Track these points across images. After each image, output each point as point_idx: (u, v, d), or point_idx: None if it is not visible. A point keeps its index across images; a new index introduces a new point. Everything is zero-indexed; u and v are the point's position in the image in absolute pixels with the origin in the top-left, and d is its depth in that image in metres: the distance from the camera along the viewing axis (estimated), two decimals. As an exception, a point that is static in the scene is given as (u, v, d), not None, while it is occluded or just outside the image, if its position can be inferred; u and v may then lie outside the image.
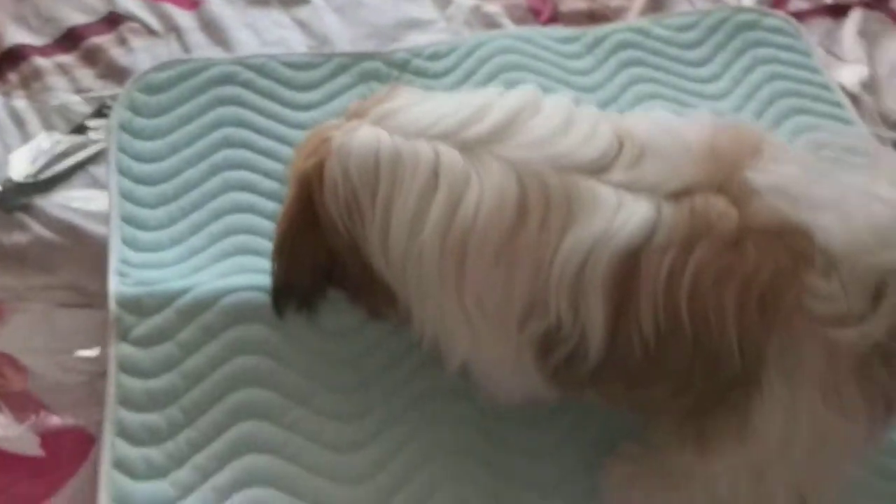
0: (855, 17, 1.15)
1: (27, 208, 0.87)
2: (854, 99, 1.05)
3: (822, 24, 1.15)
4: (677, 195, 0.59)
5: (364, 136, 0.66)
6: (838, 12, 1.17)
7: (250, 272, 0.80)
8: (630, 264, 0.58)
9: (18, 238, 0.85)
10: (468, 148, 0.63)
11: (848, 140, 0.67)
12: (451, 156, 0.63)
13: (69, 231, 0.85)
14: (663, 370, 0.60)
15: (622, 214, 0.59)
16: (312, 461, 0.73)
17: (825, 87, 1.04)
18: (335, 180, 0.66)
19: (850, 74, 1.09)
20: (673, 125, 0.64)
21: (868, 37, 1.14)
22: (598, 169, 0.61)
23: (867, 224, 0.52)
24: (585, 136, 0.63)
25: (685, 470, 0.66)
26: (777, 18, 1.10)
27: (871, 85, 1.07)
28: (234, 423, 0.73)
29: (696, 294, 0.57)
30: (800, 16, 1.16)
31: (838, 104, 1.02)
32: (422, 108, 0.67)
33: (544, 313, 0.61)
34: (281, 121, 0.94)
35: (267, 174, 0.89)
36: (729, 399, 0.59)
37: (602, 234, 0.58)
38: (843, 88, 1.06)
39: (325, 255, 0.71)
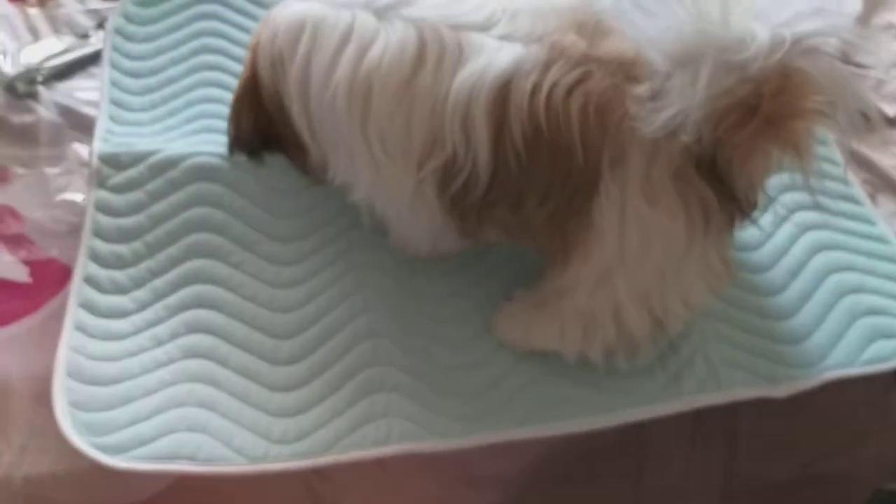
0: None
1: (34, 95, 1.02)
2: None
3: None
4: (542, 37, 0.72)
5: (296, 6, 0.80)
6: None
7: (214, 144, 0.94)
8: (505, 90, 0.71)
9: (26, 118, 1.00)
10: (380, 12, 0.77)
11: None
12: (364, 17, 0.76)
13: (67, 112, 1.01)
14: (532, 182, 0.72)
15: (500, 55, 0.72)
16: (252, 292, 0.86)
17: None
18: (266, 44, 0.80)
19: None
20: None
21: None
22: (484, 27, 0.75)
23: (669, 31, 0.63)
24: (476, 5, 0.77)
25: (554, 290, 0.78)
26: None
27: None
28: (187, 259, 0.87)
29: (550, 105, 0.69)
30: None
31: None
32: None
33: (442, 148, 0.74)
34: (252, 33, 1.09)
35: (236, 75, 1.03)
36: (579, 206, 0.71)
37: (484, 69, 0.72)
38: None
39: (264, 116, 0.85)
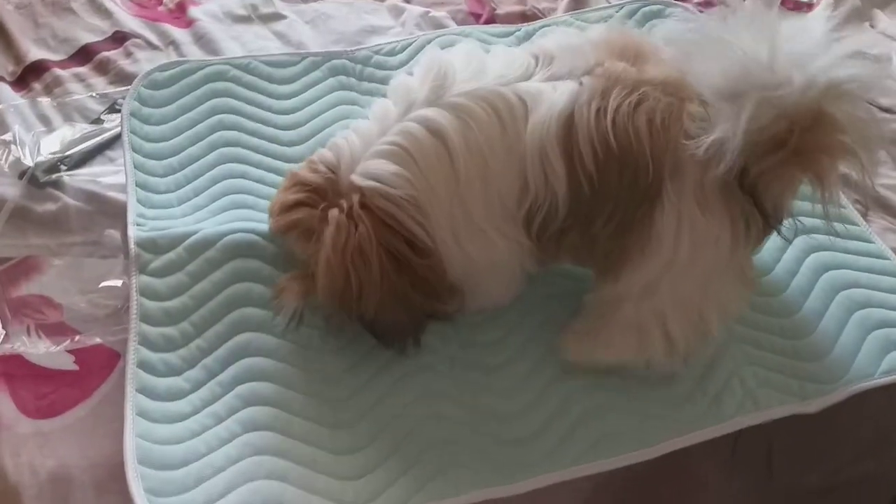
0: None
1: (56, 184, 1.04)
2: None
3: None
4: (590, 70, 0.80)
5: (355, 170, 0.83)
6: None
7: (244, 220, 0.97)
8: (570, 121, 0.78)
9: (49, 207, 1.01)
10: (435, 102, 0.81)
11: None
12: (430, 115, 0.80)
13: (92, 198, 1.02)
14: (602, 201, 0.78)
15: (558, 93, 0.79)
16: (300, 360, 0.89)
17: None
18: (375, 206, 0.80)
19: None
20: (571, 33, 0.85)
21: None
22: (527, 77, 0.82)
23: (720, 68, 0.72)
24: (506, 62, 0.83)
25: (608, 301, 0.83)
26: (679, 7, 1.30)
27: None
28: (233, 335, 0.89)
29: (618, 124, 0.76)
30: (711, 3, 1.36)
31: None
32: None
33: (526, 191, 0.79)
34: (264, 108, 1.13)
35: (254, 149, 1.07)
36: (642, 216, 0.78)
37: (549, 109, 0.78)
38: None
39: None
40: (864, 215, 1.06)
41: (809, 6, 1.38)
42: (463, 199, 0.81)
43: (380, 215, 0.80)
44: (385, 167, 0.81)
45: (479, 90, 0.81)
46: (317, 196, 0.85)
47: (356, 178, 0.82)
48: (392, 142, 0.81)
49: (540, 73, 0.81)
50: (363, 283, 0.81)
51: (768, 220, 0.78)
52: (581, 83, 0.79)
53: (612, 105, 0.76)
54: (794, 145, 0.72)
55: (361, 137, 0.84)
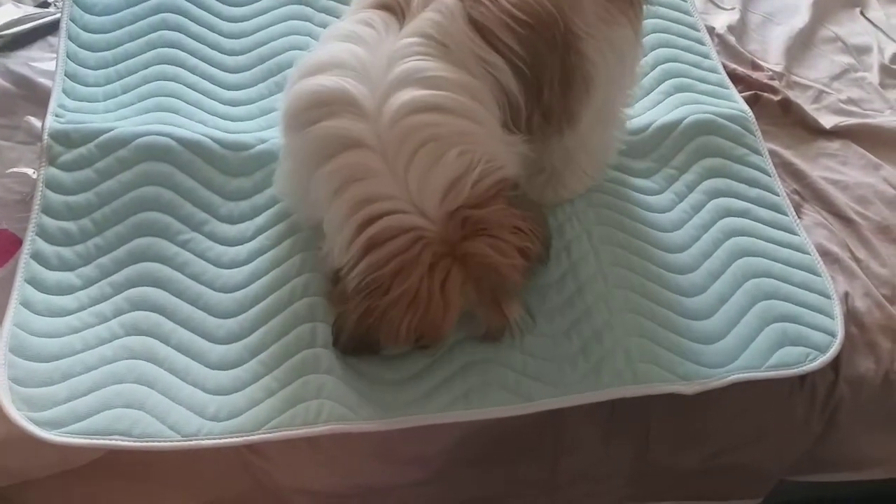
0: (739, -28, 1.30)
1: (-9, 63, 1.04)
2: (720, 38, 1.20)
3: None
4: None
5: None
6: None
7: (164, 123, 0.96)
8: (476, 23, 0.80)
9: (-21, 85, 1.02)
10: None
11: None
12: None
13: (21, 82, 1.02)
14: (539, 67, 0.82)
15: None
16: (196, 271, 0.89)
17: (692, 26, 1.19)
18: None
19: (723, 19, 1.24)
20: None
21: (748, -11, 1.28)
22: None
23: None
24: None
25: (569, 148, 0.93)
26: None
27: (737, 28, 1.22)
28: (134, 237, 0.90)
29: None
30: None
31: (699, 41, 1.17)
32: None
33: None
34: (213, 12, 1.10)
35: (192, 53, 1.05)
36: (571, 63, 0.84)
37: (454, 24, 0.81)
38: (713, 30, 1.21)
39: None
40: (799, 206, 1.03)
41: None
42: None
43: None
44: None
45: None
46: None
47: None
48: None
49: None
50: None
51: None
52: None
53: None
54: None
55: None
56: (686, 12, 1.21)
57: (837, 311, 0.92)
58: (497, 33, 0.80)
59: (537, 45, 0.82)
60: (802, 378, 0.90)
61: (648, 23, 1.06)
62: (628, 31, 0.89)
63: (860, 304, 0.94)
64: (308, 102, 0.79)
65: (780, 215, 1.00)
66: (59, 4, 1.10)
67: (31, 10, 1.09)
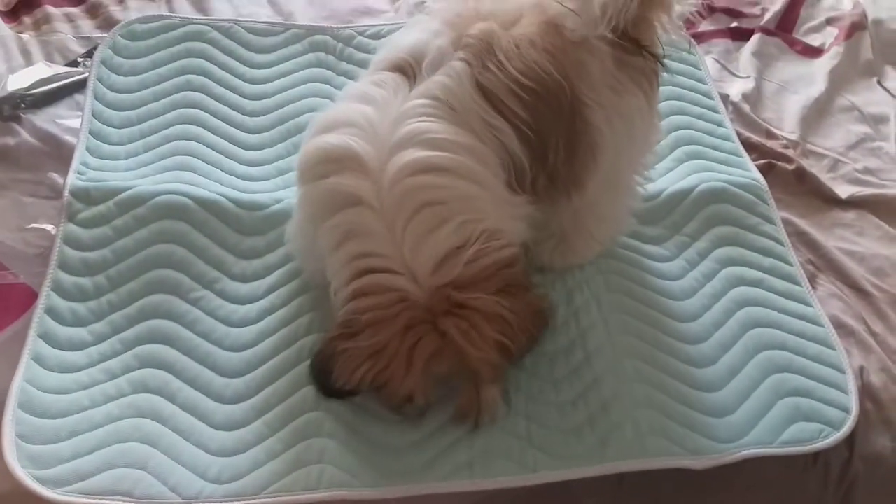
0: (754, 41, 1.31)
1: (18, 119, 1.07)
2: (735, 106, 1.21)
3: (723, 44, 1.32)
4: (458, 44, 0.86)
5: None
6: (740, 35, 1.33)
7: (182, 182, 0.98)
8: (483, 89, 0.83)
9: (8, 141, 1.05)
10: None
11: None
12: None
13: (48, 139, 1.05)
14: (544, 132, 0.84)
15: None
16: (206, 329, 0.90)
17: (706, 94, 1.20)
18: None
19: (738, 87, 1.25)
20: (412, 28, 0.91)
21: (763, 58, 1.29)
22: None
23: None
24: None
25: (576, 211, 0.94)
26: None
27: (752, 96, 1.23)
28: (146, 294, 0.91)
29: (519, 67, 0.82)
30: (704, 35, 1.32)
31: (713, 108, 1.18)
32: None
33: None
34: (236, 74, 1.14)
35: (214, 114, 1.08)
36: (577, 130, 0.86)
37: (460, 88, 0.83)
38: (727, 98, 1.22)
39: None
40: (814, 277, 1.02)
41: (819, 52, 1.33)
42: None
43: None
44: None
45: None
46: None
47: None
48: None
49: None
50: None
51: (655, 56, 0.88)
52: (462, 58, 0.82)
53: (502, 57, 0.82)
54: None
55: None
56: (700, 80, 1.23)
57: (852, 385, 0.91)
58: (503, 99, 0.82)
59: (543, 112, 0.83)
60: (815, 454, 0.88)
61: (662, 90, 1.06)
62: (640, 100, 0.89)
63: (875, 378, 0.93)
64: (317, 158, 0.82)
65: (793, 286, 0.99)
66: (88, 64, 1.14)
67: (62, 69, 1.13)
